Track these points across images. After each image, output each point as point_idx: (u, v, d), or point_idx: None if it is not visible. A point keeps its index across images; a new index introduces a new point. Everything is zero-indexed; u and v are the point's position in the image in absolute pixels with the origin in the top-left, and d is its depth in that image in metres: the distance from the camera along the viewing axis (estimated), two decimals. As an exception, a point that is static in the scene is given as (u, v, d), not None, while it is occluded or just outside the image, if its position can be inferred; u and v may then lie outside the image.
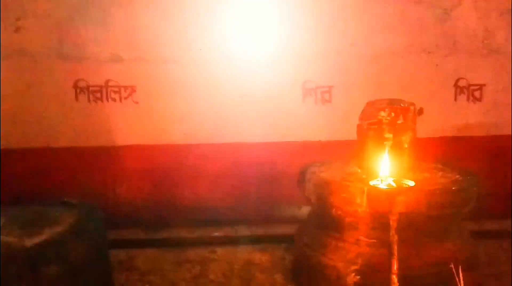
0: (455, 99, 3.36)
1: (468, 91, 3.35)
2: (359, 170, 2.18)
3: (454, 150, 3.38)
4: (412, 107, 2.06)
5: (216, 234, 2.91)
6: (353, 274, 1.72)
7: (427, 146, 3.36)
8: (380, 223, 1.74)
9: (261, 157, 3.35)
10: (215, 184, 3.37)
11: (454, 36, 3.28)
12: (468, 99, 3.36)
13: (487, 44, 3.29)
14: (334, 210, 1.93)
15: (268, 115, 3.33)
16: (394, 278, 1.40)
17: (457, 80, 3.33)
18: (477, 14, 3.25)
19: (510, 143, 3.37)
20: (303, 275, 2.14)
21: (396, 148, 1.95)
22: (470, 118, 3.37)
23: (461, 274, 1.41)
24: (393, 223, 1.41)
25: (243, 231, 2.94)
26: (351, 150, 3.27)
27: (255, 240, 2.81)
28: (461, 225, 2.10)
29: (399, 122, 1.98)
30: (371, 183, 1.46)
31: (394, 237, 1.40)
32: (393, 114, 1.97)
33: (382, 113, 1.99)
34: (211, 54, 3.21)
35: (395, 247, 1.40)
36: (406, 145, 1.98)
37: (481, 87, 3.34)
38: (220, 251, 2.71)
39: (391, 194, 1.42)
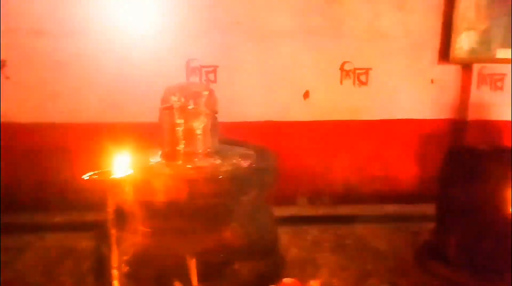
0: (341, 83, 3.28)
1: (354, 74, 3.27)
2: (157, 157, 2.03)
3: (337, 133, 3.33)
4: (205, 92, 1.93)
5: (57, 219, 2.72)
6: (124, 264, 1.60)
7: (314, 129, 3.34)
8: (153, 212, 1.63)
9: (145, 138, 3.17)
10: (94, 165, 3.17)
11: (341, 18, 3.18)
12: (354, 83, 3.29)
13: (374, 28, 3.22)
14: (115, 198, 1.79)
15: (152, 94, 3.13)
16: (115, 272, 1.27)
17: (343, 63, 3.25)
18: (364, -3, 3.17)
19: (393, 127, 3.36)
20: (96, 265, 2.01)
21: (189, 134, 1.83)
22: (356, 102, 3.31)
23: (193, 266, 1.30)
24: (110, 215, 1.28)
25: (90, 216, 2.75)
26: (227, 133, 3.19)
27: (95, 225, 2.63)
28: (250, 212, 1.92)
29: (190, 107, 1.85)
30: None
31: (111, 229, 1.27)
32: (183, 99, 1.84)
33: (173, 98, 1.86)
34: (88, 26, 2.99)
35: (114, 240, 1.26)
36: (199, 131, 1.85)
37: (367, 71, 3.27)
38: (51, 236, 2.52)
39: (106, 184, 1.27)
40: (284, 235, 2.45)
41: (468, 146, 2.06)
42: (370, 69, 3.27)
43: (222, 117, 3.16)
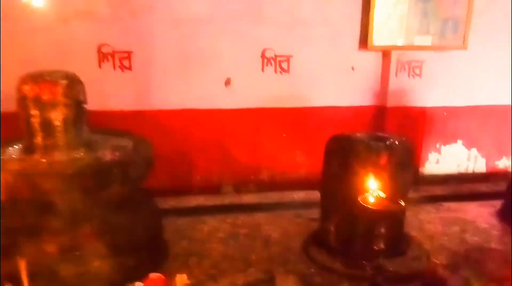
0: (263, 70, 3.20)
1: (275, 62, 3.20)
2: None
3: (260, 121, 3.26)
4: (63, 81, 1.78)
5: None
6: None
7: (236, 117, 3.25)
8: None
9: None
10: None
11: (260, 5, 3.08)
12: (275, 70, 3.22)
13: (294, 15, 3.14)
14: None
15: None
16: None
17: (264, 50, 3.16)
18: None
19: (316, 114, 3.33)
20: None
21: (46, 126, 1.69)
22: (278, 89, 3.24)
23: (24, 268, 1.19)
24: None
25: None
26: (143, 121, 3.06)
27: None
28: (116, 206, 1.79)
29: (45, 97, 1.71)
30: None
31: None
32: (37, 89, 1.70)
33: (26, 88, 1.71)
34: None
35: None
36: (58, 123, 1.71)
37: (288, 58, 3.20)
38: None
39: None
40: (182, 226, 2.38)
41: (346, 134, 2.02)
42: (291, 56, 3.20)
43: (139, 105, 3.09)
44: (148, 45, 3.00)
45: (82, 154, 1.69)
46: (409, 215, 2.55)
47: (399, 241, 1.98)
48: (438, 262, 1.47)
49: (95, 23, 2.90)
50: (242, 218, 2.57)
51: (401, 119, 3.35)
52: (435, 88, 3.37)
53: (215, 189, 3.28)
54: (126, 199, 1.75)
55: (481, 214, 2.70)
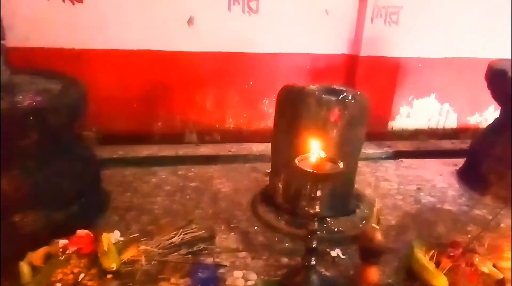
0: (230, 9, 2.92)
1: (243, 1, 2.91)
2: None
3: (225, 67, 3.03)
4: None
5: None
6: None
7: (199, 61, 3.01)
8: None
9: None
10: None
11: None
12: (243, 10, 2.94)
13: None
14: None
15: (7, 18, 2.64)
16: None
17: (231, -14, 2.86)
18: None
19: (285, 61, 3.11)
20: None
21: None
22: (245, 32, 2.98)
23: None
24: None
25: None
26: (97, 62, 2.81)
27: None
28: (40, 157, 1.61)
29: None
30: None
31: None
32: None
33: None
34: None
35: None
36: None
37: (257, -4, 2.91)
38: None
39: None
40: (129, 177, 2.23)
41: (298, 85, 1.84)
42: (261, -5, 2.91)
43: (92, 43, 2.81)
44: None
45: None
46: (366, 171, 2.48)
47: (347, 201, 1.89)
48: (377, 227, 1.38)
49: None
50: (195, 170, 2.42)
51: (374, 70, 3.16)
52: (411, 37, 3.15)
53: (178, 137, 3.12)
54: (50, 149, 1.58)
55: (441, 173, 2.62)
